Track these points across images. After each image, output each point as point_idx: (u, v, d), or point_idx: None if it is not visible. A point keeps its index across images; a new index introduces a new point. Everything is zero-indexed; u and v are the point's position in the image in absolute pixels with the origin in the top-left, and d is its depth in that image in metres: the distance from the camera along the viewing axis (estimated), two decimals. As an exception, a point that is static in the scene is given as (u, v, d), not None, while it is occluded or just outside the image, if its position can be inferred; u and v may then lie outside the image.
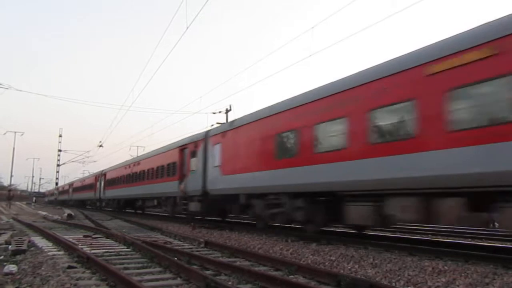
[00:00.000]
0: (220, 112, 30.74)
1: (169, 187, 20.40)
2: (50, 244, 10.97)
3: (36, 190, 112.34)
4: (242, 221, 18.96)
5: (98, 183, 39.86)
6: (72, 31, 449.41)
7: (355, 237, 10.99)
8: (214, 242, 10.52)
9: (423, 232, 13.87)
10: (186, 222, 18.28)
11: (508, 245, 9.29)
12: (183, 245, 10.84)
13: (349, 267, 7.26)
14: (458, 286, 5.63)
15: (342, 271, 6.93)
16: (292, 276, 6.49)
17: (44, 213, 33.72)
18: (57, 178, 61.77)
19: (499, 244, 10.56)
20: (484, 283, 5.69)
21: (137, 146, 50.20)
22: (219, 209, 16.66)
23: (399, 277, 6.29)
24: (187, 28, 14.16)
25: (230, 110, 30.62)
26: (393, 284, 5.98)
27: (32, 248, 9.77)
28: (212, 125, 25.25)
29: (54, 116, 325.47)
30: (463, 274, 6.18)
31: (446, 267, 6.67)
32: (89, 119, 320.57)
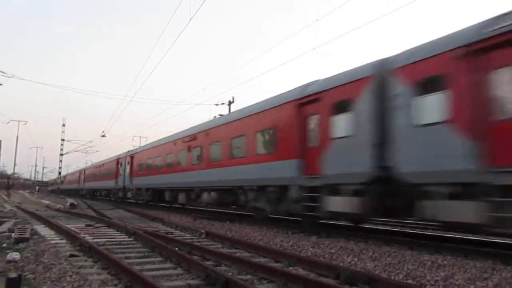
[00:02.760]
0: (223, 104, 30.78)
1: (269, 169, 12.74)
2: (52, 232, 11.07)
3: (39, 179, 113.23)
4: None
5: (121, 169, 32.18)
6: (75, 22, 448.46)
7: (355, 230, 11.03)
8: (215, 233, 10.58)
9: (423, 226, 13.89)
10: (187, 213, 18.37)
11: (508, 241, 9.31)
12: (184, 236, 10.90)
13: (348, 260, 7.30)
14: (457, 280, 5.65)
15: (341, 264, 6.96)
16: (292, 268, 6.53)
17: (47, 202, 33.98)
18: (60, 168, 62.33)
19: (498, 239, 10.58)
20: (483, 278, 5.71)
21: (140, 137, 50.34)
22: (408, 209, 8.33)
23: (398, 271, 6.32)
24: (190, 19, 14.16)
25: (233, 102, 30.66)
26: (392, 277, 6.01)
27: (35, 236, 9.88)
28: (215, 116, 21.70)
29: (58, 105, 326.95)
30: (462, 269, 6.22)
31: (445, 262, 6.71)
32: (92, 109, 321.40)
